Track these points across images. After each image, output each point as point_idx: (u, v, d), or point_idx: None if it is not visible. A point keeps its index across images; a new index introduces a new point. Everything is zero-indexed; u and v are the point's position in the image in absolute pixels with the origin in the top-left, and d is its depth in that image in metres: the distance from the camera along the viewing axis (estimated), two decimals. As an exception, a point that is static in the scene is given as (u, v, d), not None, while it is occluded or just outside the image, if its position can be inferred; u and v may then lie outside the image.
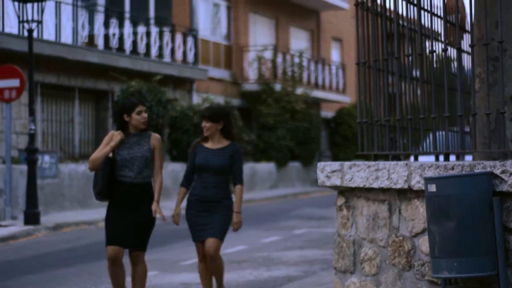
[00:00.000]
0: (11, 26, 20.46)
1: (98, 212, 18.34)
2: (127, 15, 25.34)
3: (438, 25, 7.75)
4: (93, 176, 7.80)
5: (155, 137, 7.86)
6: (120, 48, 24.10)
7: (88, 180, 20.30)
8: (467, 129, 7.59)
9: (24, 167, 18.49)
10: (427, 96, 7.39)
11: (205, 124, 8.13)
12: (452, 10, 7.74)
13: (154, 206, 7.69)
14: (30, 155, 17.36)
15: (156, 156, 7.80)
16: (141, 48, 25.06)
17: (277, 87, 31.44)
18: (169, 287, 10.07)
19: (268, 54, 31.99)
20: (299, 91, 32.11)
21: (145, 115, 7.83)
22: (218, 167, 8.06)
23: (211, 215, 8.04)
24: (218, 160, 8.08)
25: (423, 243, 6.30)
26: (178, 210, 8.15)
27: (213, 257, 8.01)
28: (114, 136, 7.76)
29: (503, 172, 5.71)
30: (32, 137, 17.44)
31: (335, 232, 7.16)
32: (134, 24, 25.09)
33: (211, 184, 8.08)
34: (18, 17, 17.68)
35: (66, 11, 22.40)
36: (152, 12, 27.18)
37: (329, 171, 7.01)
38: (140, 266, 7.85)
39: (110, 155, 7.76)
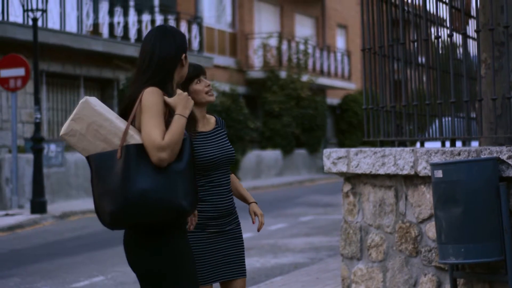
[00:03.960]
0: (16, 15, 20.45)
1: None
2: (131, 3, 25.31)
3: (444, 11, 7.73)
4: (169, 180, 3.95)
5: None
6: (125, 36, 24.08)
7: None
8: (473, 114, 7.58)
9: (30, 156, 18.52)
10: (432, 82, 7.38)
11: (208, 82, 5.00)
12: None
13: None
14: (36, 144, 17.37)
15: None
16: (146, 36, 25.03)
17: (283, 74, 31.40)
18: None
19: (273, 42, 31.95)
20: (305, 78, 32.07)
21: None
22: (232, 156, 5.01)
23: (226, 237, 4.97)
24: (228, 144, 5.05)
25: (430, 229, 6.30)
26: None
27: None
28: (185, 98, 4.07)
29: (509, 157, 5.70)
30: (38, 126, 17.46)
31: (341, 218, 7.16)
32: (139, 12, 25.06)
33: (227, 186, 4.99)
34: (23, 6, 17.68)
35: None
36: (156, 0, 27.15)
37: (335, 158, 7.00)
38: None
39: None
